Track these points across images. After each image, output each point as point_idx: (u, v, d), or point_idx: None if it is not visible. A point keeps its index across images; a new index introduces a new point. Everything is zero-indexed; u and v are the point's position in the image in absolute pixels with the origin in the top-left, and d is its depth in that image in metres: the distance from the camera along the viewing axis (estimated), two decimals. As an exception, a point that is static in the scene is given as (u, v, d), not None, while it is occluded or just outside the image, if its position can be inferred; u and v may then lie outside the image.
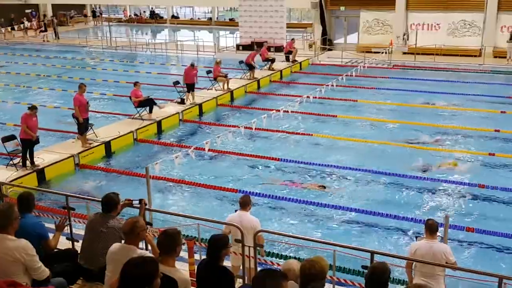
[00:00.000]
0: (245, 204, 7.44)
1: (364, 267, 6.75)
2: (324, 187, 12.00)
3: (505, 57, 25.23)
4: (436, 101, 19.00)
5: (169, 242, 4.79)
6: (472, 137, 15.33)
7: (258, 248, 6.87)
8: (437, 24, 28.01)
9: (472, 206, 11.02)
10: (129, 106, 16.88)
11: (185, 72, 18.54)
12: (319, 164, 13.17)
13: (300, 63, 26.27)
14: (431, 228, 6.59)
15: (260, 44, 26.18)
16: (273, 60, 24.53)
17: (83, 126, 13.98)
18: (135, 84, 16.56)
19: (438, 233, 6.79)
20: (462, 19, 27.46)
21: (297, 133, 15.87)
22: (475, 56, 26.29)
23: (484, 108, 17.98)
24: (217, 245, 5.24)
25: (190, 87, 18.40)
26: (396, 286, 7.48)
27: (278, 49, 27.91)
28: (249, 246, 6.78)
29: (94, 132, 14.62)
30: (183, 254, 6.72)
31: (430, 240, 6.54)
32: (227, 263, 6.62)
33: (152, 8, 49.19)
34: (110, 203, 6.15)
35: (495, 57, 26.16)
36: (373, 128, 16.59)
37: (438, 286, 6.23)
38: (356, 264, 7.51)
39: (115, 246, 5.25)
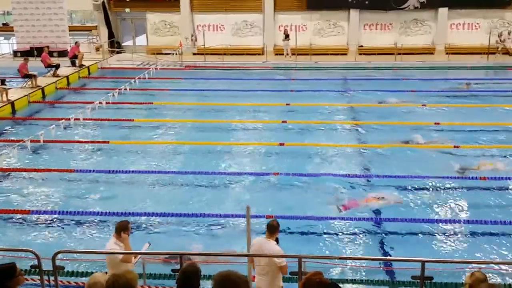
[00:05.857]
0: None
1: (174, 270, 6.64)
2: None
3: (283, 54, 27.58)
4: (228, 98, 19.74)
5: None
6: (265, 129, 16.32)
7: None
8: (222, 25, 29.37)
9: (269, 194, 11.60)
10: None
11: None
12: (118, 171, 12.64)
13: (88, 67, 25.01)
14: (268, 227, 6.71)
15: (40, 50, 24.24)
16: (57, 66, 22.92)
17: None
18: None
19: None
20: (243, 20, 29.25)
21: (92, 142, 15.02)
22: (259, 54, 28.20)
23: (271, 102, 19.28)
24: (2, 277, 4.75)
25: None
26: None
27: (62, 53, 26.33)
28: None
29: None
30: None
31: (268, 238, 6.64)
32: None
33: None
34: None
35: (276, 54, 28.39)
36: (171, 129, 16.55)
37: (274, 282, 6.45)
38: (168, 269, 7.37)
39: None
